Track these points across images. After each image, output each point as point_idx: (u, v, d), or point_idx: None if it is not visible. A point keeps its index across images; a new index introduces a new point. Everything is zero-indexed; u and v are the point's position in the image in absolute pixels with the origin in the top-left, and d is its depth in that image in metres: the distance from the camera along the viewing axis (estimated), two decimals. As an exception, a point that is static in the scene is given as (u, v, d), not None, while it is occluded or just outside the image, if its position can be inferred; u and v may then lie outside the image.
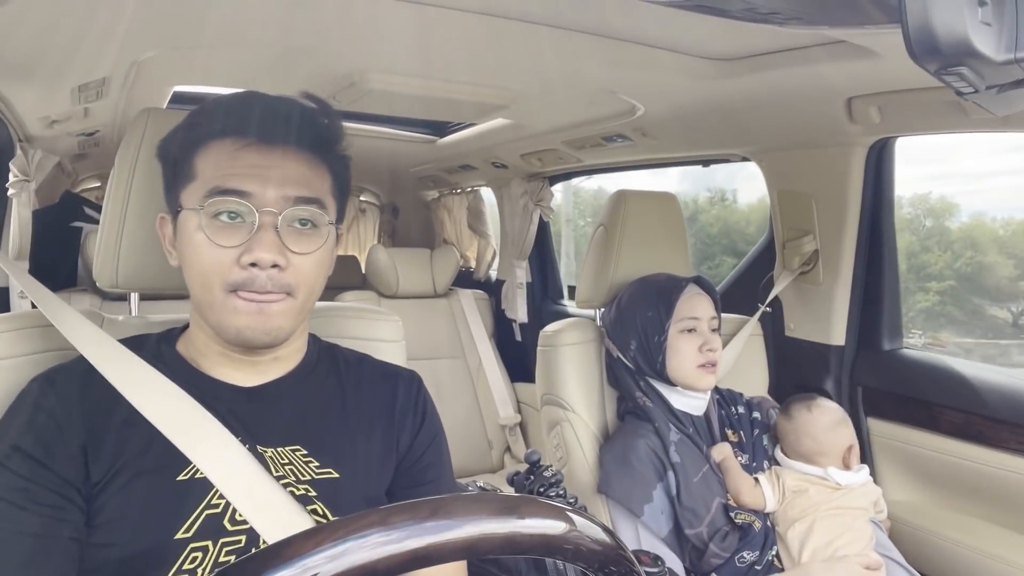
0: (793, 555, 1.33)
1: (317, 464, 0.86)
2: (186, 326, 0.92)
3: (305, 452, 0.86)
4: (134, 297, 1.11)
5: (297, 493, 0.82)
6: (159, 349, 0.89)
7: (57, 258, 2.72)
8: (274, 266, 0.79)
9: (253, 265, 0.79)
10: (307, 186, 0.84)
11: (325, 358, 0.97)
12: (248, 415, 0.85)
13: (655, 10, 1.05)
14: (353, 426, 0.91)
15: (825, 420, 1.43)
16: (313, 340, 0.98)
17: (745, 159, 1.97)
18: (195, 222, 0.80)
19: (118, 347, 0.85)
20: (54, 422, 0.78)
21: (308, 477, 0.85)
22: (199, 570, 0.76)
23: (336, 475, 0.86)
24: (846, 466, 1.40)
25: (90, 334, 0.86)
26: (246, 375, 0.88)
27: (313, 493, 0.84)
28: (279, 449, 0.85)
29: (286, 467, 0.84)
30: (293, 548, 0.40)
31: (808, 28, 1.01)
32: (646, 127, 1.87)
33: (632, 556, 0.48)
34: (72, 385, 0.81)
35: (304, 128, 0.85)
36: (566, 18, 1.16)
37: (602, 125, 1.96)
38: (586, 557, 0.45)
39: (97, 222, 1.02)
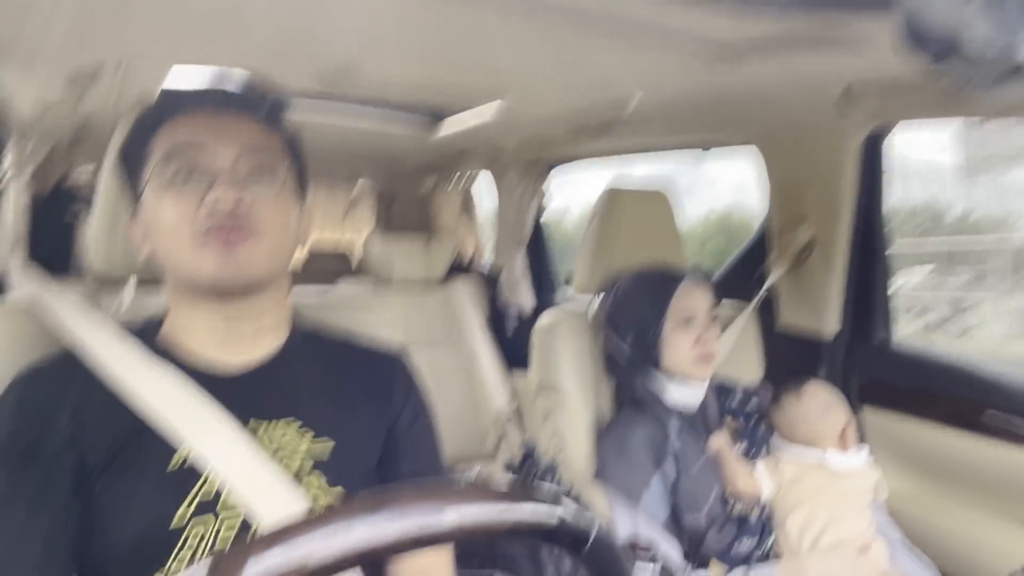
0: (793, 542, 1.34)
1: (313, 434, 0.87)
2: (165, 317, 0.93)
3: (300, 423, 0.87)
4: (129, 285, 1.11)
5: (293, 466, 0.83)
6: (142, 337, 0.89)
7: (52, 245, 2.71)
8: (236, 207, 0.81)
9: (216, 207, 0.81)
10: (258, 140, 0.87)
11: (311, 338, 0.98)
12: (238, 394, 0.86)
13: (651, -2, 1.05)
14: (345, 398, 0.93)
15: (816, 404, 1.44)
16: (298, 320, 0.99)
17: (747, 142, 1.97)
18: (156, 188, 0.83)
19: (108, 334, 0.85)
20: (41, 417, 0.78)
21: (305, 447, 0.86)
22: (197, 554, 0.77)
23: (332, 443, 0.87)
24: (844, 446, 1.41)
25: (81, 321, 0.86)
26: (233, 350, 0.89)
27: (310, 463, 0.85)
28: (273, 422, 0.86)
29: (282, 439, 0.85)
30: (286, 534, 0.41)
31: (803, 17, 1.01)
32: (644, 114, 1.87)
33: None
34: (58, 379, 0.82)
35: (247, 98, 0.90)
36: (563, 4, 1.16)
37: (600, 112, 1.95)
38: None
39: (91, 209, 1.02)
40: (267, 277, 0.88)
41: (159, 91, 0.91)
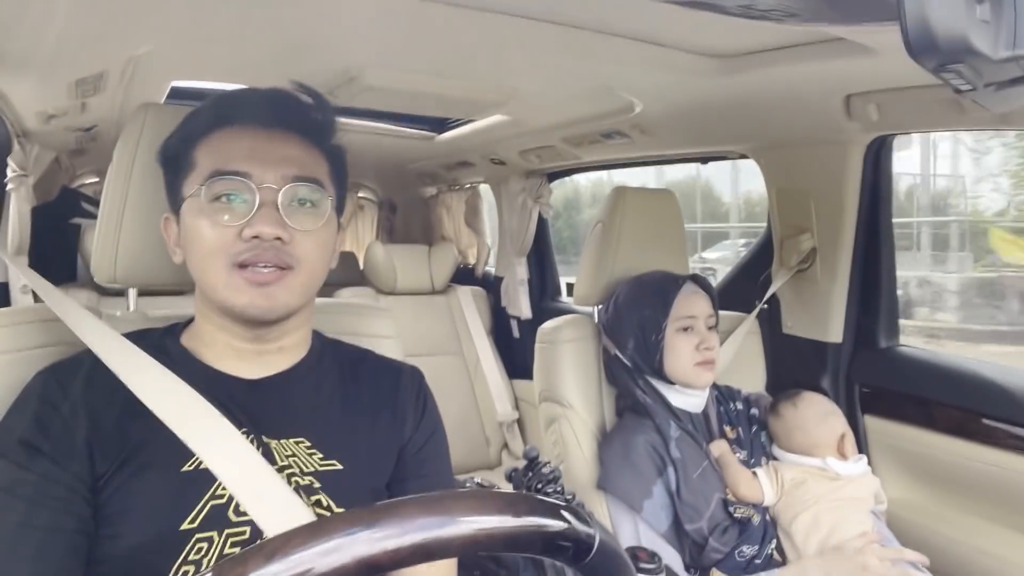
0: (798, 547, 1.34)
1: (321, 456, 0.87)
2: (190, 321, 0.93)
3: (309, 444, 0.87)
4: (132, 292, 1.11)
5: (302, 483, 0.83)
6: (163, 343, 0.89)
7: (56, 254, 2.71)
8: (277, 239, 0.80)
9: (256, 238, 0.80)
10: (305, 166, 0.85)
11: (329, 353, 0.98)
12: (252, 407, 0.86)
13: (653, 6, 1.05)
14: (356, 419, 0.92)
15: (812, 413, 1.44)
16: (317, 335, 0.99)
17: (743, 156, 1.97)
18: (197, 206, 0.82)
19: (123, 340, 0.85)
20: (58, 416, 0.78)
21: (312, 469, 0.85)
22: (205, 560, 0.76)
23: (340, 467, 0.87)
24: (842, 455, 1.40)
25: (96, 327, 0.86)
26: (251, 367, 0.89)
27: (318, 484, 0.84)
28: (283, 441, 0.86)
29: (290, 458, 0.85)
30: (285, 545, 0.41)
31: (806, 25, 1.01)
32: (644, 124, 1.87)
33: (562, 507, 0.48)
34: (75, 379, 0.82)
35: (300, 116, 0.88)
36: (564, 14, 1.16)
37: (600, 122, 1.96)
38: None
39: (95, 217, 1.02)
40: (300, 306, 0.88)
41: (209, 95, 0.90)
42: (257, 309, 0.82)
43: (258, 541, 0.77)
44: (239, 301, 0.81)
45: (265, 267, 0.81)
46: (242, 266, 0.81)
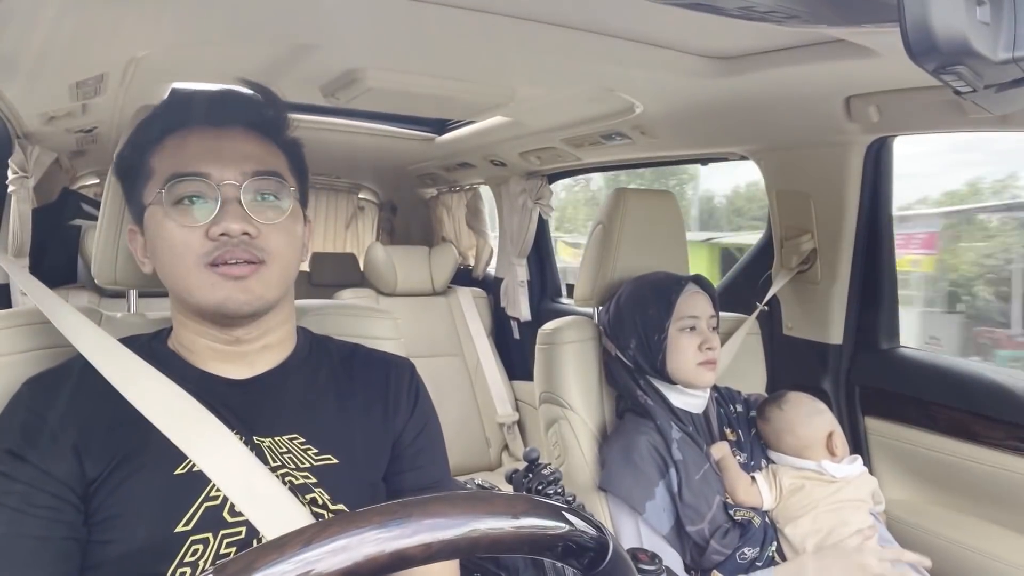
0: (797, 550, 1.34)
1: (315, 451, 0.86)
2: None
3: (303, 440, 0.87)
4: (132, 294, 1.11)
5: (297, 481, 0.83)
6: (151, 347, 0.89)
7: (57, 256, 2.71)
8: (244, 234, 0.80)
9: (223, 235, 0.80)
10: (263, 161, 0.86)
11: (317, 348, 0.97)
12: (243, 407, 0.86)
13: (653, 8, 1.05)
14: (349, 412, 0.92)
15: (797, 415, 1.44)
16: (304, 332, 0.98)
17: (743, 158, 1.97)
18: (160, 212, 0.82)
19: (114, 344, 0.85)
20: (45, 424, 0.78)
21: (307, 464, 0.85)
22: (200, 562, 0.76)
23: (335, 461, 0.87)
24: (831, 453, 1.40)
25: (87, 331, 0.86)
26: (238, 367, 0.89)
27: (313, 480, 0.84)
28: (276, 438, 0.86)
29: (284, 456, 0.84)
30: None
31: (806, 27, 1.01)
32: (645, 125, 1.87)
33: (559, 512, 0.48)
34: (63, 386, 0.82)
35: (251, 113, 0.88)
36: (565, 15, 1.16)
37: (601, 123, 1.96)
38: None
39: (95, 219, 1.02)
40: (275, 301, 0.87)
41: (162, 96, 0.90)
42: (235, 303, 0.82)
43: (254, 541, 0.78)
44: (215, 297, 0.81)
45: (237, 263, 0.81)
46: (213, 264, 0.80)
